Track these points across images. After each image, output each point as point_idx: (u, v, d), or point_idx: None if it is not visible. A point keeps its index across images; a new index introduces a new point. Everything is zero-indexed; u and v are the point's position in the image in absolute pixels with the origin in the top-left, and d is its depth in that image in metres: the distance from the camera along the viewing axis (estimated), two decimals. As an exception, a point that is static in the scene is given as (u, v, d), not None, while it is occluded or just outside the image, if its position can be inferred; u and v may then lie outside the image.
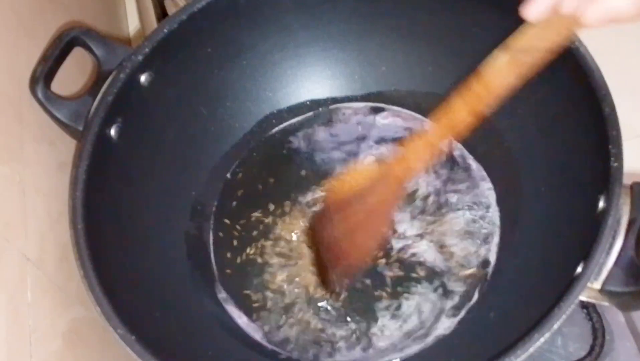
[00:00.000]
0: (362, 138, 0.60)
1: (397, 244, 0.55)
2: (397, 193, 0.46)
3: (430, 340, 0.51)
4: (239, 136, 0.61)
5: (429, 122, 0.42)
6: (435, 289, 0.53)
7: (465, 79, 0.39)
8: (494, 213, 0.55)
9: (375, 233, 0.49)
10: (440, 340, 0.51)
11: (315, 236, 0.54)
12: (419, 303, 0.53)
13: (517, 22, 0.38)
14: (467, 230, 0.55)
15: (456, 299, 0.52)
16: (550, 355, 0.51)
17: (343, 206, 0.48)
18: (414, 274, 0.54)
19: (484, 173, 0.57)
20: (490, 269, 0.53)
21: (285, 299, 0.54)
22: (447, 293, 0.53)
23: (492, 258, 0.53)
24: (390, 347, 0.51)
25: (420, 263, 0.54)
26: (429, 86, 0.59)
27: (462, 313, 0.52)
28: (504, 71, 0.37)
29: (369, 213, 0.47)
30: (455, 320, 0.52)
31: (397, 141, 0.60)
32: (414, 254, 0.55)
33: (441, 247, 0.54)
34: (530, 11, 0.36)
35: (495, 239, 0.54)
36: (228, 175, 0.60)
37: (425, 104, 0.60)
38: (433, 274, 0.54)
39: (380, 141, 0.60)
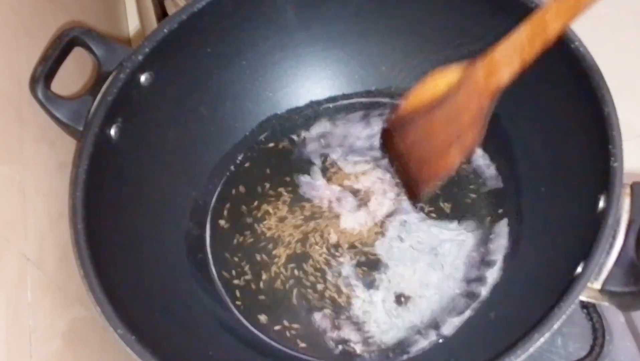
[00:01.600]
0: (362, 138, 0.60)
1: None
2: (481, 101, 0.42)
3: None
4: (239, 136, 0.61)
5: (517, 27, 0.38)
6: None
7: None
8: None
9: (457, 142, 0.45)
10: (441, 338, 0.51)
11: (393, 141, 0.50)
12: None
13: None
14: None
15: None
16: (550, 355, 0.51)
17: (423, 111, 0.45)
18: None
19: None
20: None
21: (287, 299, 0.54)
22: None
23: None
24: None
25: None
26: (429, 86, 0.59)
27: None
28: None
29: (450, 121, 0.44)
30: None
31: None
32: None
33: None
34: None
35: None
36: (228, 175, 0.60)
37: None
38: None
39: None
